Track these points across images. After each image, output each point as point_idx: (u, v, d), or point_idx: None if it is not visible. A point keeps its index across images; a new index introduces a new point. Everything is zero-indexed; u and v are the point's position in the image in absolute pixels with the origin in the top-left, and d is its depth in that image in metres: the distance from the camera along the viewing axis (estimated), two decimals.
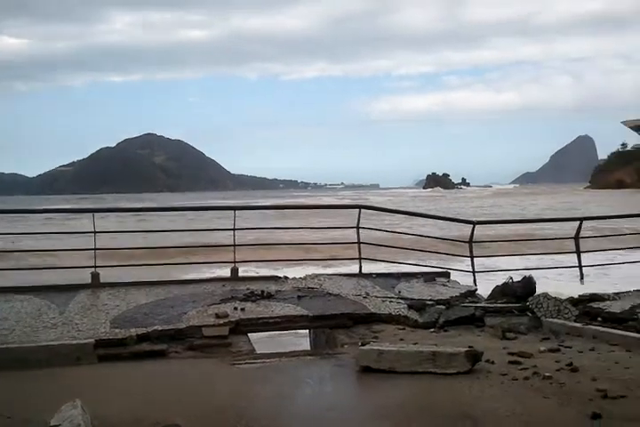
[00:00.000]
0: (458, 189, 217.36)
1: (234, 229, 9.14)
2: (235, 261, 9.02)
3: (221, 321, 6.48)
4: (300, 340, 7.93)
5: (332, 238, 13.69)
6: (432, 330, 6.54)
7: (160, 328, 6.24)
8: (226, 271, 9.23)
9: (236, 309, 6.98)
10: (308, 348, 7.35)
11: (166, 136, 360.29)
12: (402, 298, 7.65)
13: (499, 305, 7.11)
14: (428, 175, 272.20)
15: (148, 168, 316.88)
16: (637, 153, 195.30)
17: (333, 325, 6.81)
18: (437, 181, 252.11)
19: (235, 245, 9.14)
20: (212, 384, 4.90)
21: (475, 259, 9.93)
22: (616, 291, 8.05)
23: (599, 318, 6.63)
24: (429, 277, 8.86)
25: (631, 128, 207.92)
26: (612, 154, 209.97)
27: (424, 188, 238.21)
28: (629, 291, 7.99)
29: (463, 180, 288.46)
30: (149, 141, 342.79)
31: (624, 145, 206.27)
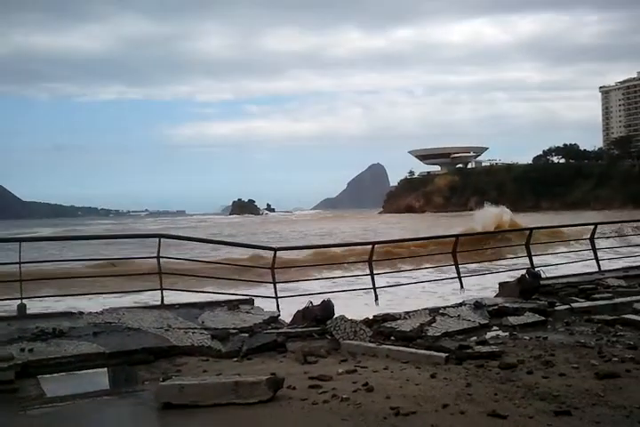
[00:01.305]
0: (263, 215, 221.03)
1: (19, 263, 8.44)
2: (22, 298, 8.31)
3: (6, 365, 5.88)
4: (98, 379, 7.46)
5: (134, 269, 13.17)
6: (235, 359, 6.50)
7: None
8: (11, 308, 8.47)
9: (23, 350, 6.39)
10: (107, 387, 6.92)
11: None
12: (205, 328, 7.52)
13: (299, 330, 7.28)
14: (234, 201, 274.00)
15: None
16: (424, 180, 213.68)
17: (133, 361, 6.50)
18: (243, 207, 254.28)
19: (21, 281, 8.43)
20: None
21: (280, 284, 10.12)
22: (407, 310, 8.63)
23: (392, 337, 7.04)
24: (233, 305, 8.83)
25: (416, 157, 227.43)
26: (402, 181, 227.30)
27: (230, 214, 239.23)
28: (418, 309, 8.57)
29: (268, 205, 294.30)
30: None
31: (411, 173, 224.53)
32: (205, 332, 7.33)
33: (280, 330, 7.39)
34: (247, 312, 8.52)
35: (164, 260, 9.47)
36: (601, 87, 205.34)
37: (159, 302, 9.01)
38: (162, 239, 9.43)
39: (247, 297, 9.61)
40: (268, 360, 6.43)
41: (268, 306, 9.38)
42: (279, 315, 8.54)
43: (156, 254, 9.27)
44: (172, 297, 9.48)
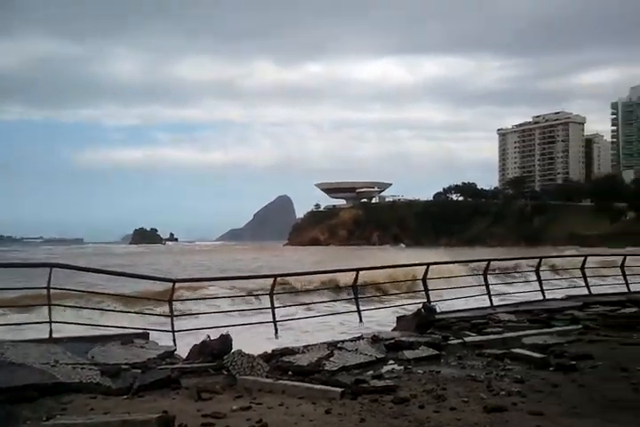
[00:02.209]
0: (165, 245, 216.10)
1: None
2: None
3: None
4: None
5: (22, 300, 12.47)
6: (125, 397, 6.24)
7: None
8: None
9: None
10: None
11: None
12: (95, 364, 7.19)
13: (195, 365, 7.10)
14: (136, 230, 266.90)
15: None
16: (329, 213, 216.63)
17: (15, 399, 6.10)
18: (145, 236, 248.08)
19: None
20: None
21: (178, 317, 9.89)
22: (307, 344, 8.62)
23: (289, 372, 6.99)
24: (127, 340, 8.51)
25: (323, 190, 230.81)
26: (308, 213, 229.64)
27: (130, 243, 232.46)
28: (317, 343, 8.58)
29: (171, 235, 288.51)
30: None
31: (317, 206, 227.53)
32: (95, 367, 7.00)
33: (175, 366, 7.18)
34: (141, 347, 8.24)
35: (55, 291, 9.04)
36: (499, 130, 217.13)
37: (47, 336, 8.57)
38: (53, 269, 9.02)
39: (142, 331, 9.32)
40: (160, 397, 6.21)
41: (164, 340, 9.13)
42: (175, 350, 8.32)
43: (46, 285, 8.85)
44: (62, 330, 9.02)
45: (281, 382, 6.38)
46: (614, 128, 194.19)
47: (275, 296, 11.24)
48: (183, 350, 8.18)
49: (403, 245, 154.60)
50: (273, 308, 10.89)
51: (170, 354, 7.98)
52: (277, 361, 7.40)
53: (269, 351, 7.94)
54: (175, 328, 9.74)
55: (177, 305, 10.88)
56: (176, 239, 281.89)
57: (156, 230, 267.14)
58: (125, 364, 7.22)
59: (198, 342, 7.83)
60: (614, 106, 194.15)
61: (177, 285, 10.62)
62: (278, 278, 11.93)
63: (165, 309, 10.27)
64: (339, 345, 8.21)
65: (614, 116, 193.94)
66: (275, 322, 10.70)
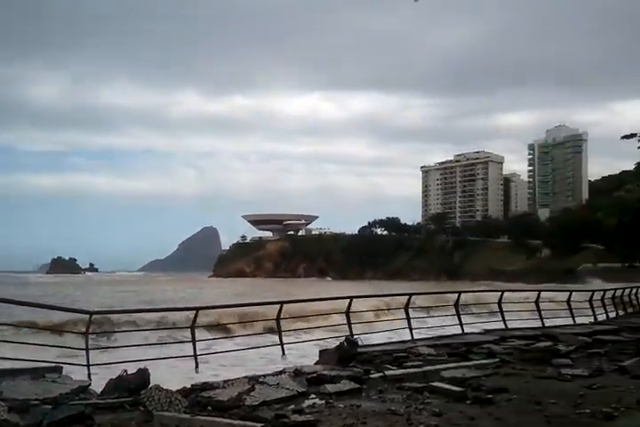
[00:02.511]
0: (84, 275, 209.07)
1: None
2: None
3: None
4: None
5: None
6: None
7: None
8: None
9: None
10: None
11: None
12: (2, 399, 6.83)
13: (110, 400, 6.86)
14: (54, 259, 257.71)
15: None
16: (255, 245, 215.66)
17: None
18: (63, 265, 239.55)
19: None
20: None
21: (95, 350, 9.54)
22: (228, 378, 8.48)
23: (209, 408, 6.84)
24: (38, 374, 8.14)
25: (249, 222, 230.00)
26: (234, 245, 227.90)
27: (47, 272, 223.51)
28: (238, 378, 8.45)
29: (91, 265, 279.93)
30: None
31: (244, 237, 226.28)
32: (2, 403, 6.64)
33: (88, 401, 6.91)
34: (53, 381, 7.88)
35: None
36: (422, 167, 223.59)
37: None
38: None
39: (55, 364, 8.92)
40: None
41: (78, 375, 8.77)
42: (89, 384, 8.00)
43: None
44: None
45: (199, 417, 6.24)
46: (531, 168, 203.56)
47: (196, 329, 11.02)
48: (98, 385, 7.89)
49: (329, 278, 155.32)
50: (194, 341, 10.67)
51: (84, 389, 7.66)
52: (197, 396, 7.24)
53: (188, 386, 7.76)
54: (91, 362, 9.38)
55: (94, 338, 10.50)
56: (96, 269, 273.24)
57: (75, 260, 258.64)
58: (35, 399, 6.88)
59: (114, 377, 7.58)
60: (531, 147, 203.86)
61: (94, 317, 10.25)
62: (201, 311, 11.73)
63: (81, 342, 9.87)
64: (260, 379, 8.12)
65: (531, 156, 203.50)
66: (195, 356, 10.47)
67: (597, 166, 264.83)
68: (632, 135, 25.27)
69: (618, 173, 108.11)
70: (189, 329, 10.91)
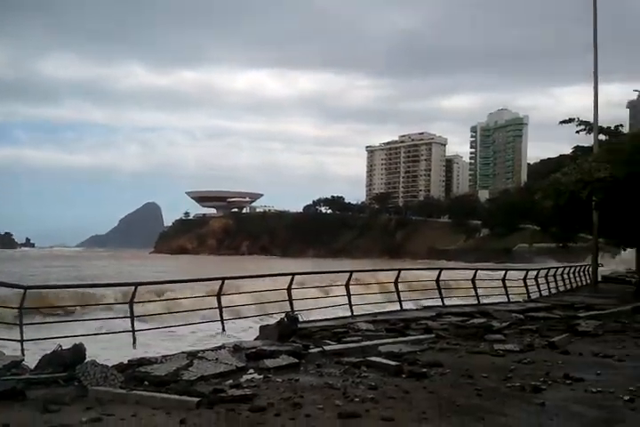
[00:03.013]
0: (20, 250, 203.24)
1: None
2: None
3: None
4: None
5: None
6: None
7: None
8: None
9: None
10: None
11: None
12: None
13: (43, 376, 6.72)
14: None
15: None
16: (199, 221, 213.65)
17: None
18: None
19: None
20: None
21: (30, 325, 9.32)
22: (166, 353, 8.42)
23: (146, 383, 6.79)
24: None
25: (193, 198, 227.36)
26: (177, 221, 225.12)
27: None
28: (176, 353, 8.41)
29: (27, 240, 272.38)
30: None
31: (187, 214, 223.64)
32: None
33: (21, 376, 6.75)
34: None
35: None
36: (367, 147, 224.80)
37: None
38: None
39: None
40: (5, 409, 5.82)
41: (11, 350, 8.57)
42: (23, 360, 7.81)
43: None
44: None
45: (135, 392, 6.18)
46: (472, 150, 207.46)
47: (136, 305, 10.88)
48: (32, 360, 7.72)
49: (272, 256, 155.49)
50: (132, 317, 10.54)
51: (16, 364, 7.47)
52: (133, 371, 7.18)
53: (125, 362, 7.68)
54: (25, 337, 9.16)
55: (28, 313, 10.23)
56: (33, 244, 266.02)
57: (11, 235, 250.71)
58: None
59: (49, 352, 7.43)
60: (473, 129, 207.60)
61: (29, 292, 9.99)
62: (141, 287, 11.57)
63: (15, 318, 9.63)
64: (199, 355, 8.10)
65: (473, 139, 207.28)
66: (133, 331, 10.35)
67: (537, 150, 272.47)
68: (570, 120, 26.05)
69: (556, 156, 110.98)
70: (128, 305, 10.76)
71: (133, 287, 10.93)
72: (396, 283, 15.54)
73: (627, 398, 6.67)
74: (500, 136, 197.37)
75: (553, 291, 23.46)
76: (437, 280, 17.05)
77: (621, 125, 29.06)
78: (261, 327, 10.72)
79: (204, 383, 6.91)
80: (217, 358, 7.95)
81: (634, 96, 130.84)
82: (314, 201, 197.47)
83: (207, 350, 8.56)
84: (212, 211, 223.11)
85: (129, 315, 10.58)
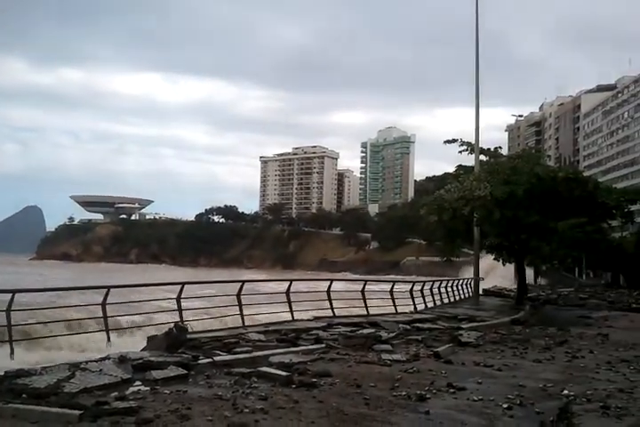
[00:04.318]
0: None
1: None
2: None
3: None
4: None
5: None
6: None
7: None
8: None
9: None
10: None
11: None
12: None
13: None
14: None
15: None
16: (84, 227, 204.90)
17: None
18: None
19: None
20: None
21: None
22: (46, 365, 8.01)
23: (24, 395, 6.43)
24: None
25: (79, 203, 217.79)
26: (60, 226, 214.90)
27: None
28: (57, 364, 8.02)
29: None
30: None
31: (71, 219, 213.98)
32: None
33: None
34: None
35: None
36: (261, 157, 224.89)
37: None
38: None
39: None
40: None
41: None
42: None
43: None
44: None
45: (12, 405, 5.84)
46: (363, 165, 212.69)
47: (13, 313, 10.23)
48: None
49: (162, 265, 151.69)
50: (9, 326, 9.91)
51: None
52: (10, 384, 6.78)
53: (2, 373, 7.24)
54: None
55: None
56: None
57: None
58: None
59: None
60: (364, 145, 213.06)
61: None
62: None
63: None
64: (82, 366, 7.76)
65: (364, 154, 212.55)
66: (11, 341, 9.74)
67: (424, 168, 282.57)
68: (453, 140, 27.31)
69: (441, 174, 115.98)
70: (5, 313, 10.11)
71: (10, 295, 10.29)
72: (287, 293, 15.57)
73: (505, 405, 7.05)
74: (389, 153, 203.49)
75: (438, 303, 24.32)
76: (328, 291, 17.25)
77: (500, 147, 30.69)
78: (149, 338, 10.41)
79: (86, 396, 6.62)
80: (101, 370, 7.65)
81: (512, 120, 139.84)
82: (206, 210, 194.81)
83: (91, 361, 8.22)
84: (99, 216, 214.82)
85: (6, 324, 9.94)
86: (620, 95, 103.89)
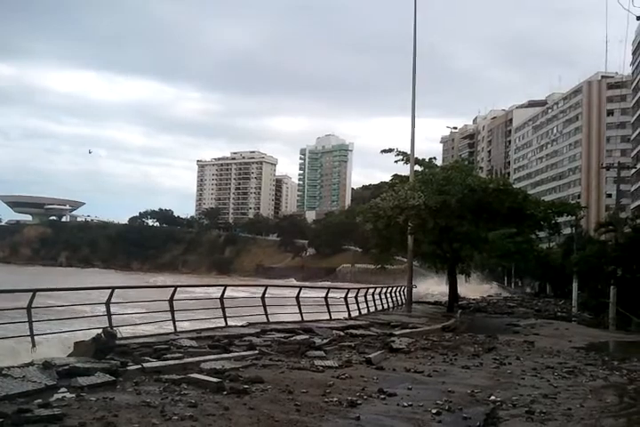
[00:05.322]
0: None
1: None
2: None
3: None
4: None
5: None
6: None
7: None
8: None
9: None
10: None
11: None
12: None
13: None
14: None
15: None
16: (11, 228, 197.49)
17: None
18: None
19: None
20: None
21: None
22: None
23: None
24: None
25: (6, 203, 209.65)
26: None
27: None
28: None
29: None
30: None
31: None
32: None
33: None
34: None
35: None
36: (198, 161, 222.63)
37: None
38: None
39: None
40: None
41: None
42: None
43: None
44: None
45: None
46: (301, 172, 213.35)
47: None
48: None
49: (93, 268, 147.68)
50: None
51: None
52: None
53: None
54: None
55: None
56: None
57: None
58: None
59: None
60: (302, 152, 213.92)
61: None
62: None
63: None
64: (3, 372, 7.46)
65: (302, 161, 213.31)
66: None
67: (361, 176, 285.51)
68: (390, 150, 27.79)
69: (377, 183, 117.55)
70: None
71: None
72: (221, 299, 15.40)
73: (434, 411, 7.17)
74: (327, 160, 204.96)
75: (372, 309, 24.57)
76: (263, 297, 17.17)
77: (435, 158, 31.47)
78: (76, 343, 10.09)
79: (7, 403, 6.36)
80: (24, 376, 7.38)
81: (447, 132, 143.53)
82: (140, 213, 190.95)
83: (13, 366, 7.91)
84: (28, 218, 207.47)
85: None
86: (549, 111, 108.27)
